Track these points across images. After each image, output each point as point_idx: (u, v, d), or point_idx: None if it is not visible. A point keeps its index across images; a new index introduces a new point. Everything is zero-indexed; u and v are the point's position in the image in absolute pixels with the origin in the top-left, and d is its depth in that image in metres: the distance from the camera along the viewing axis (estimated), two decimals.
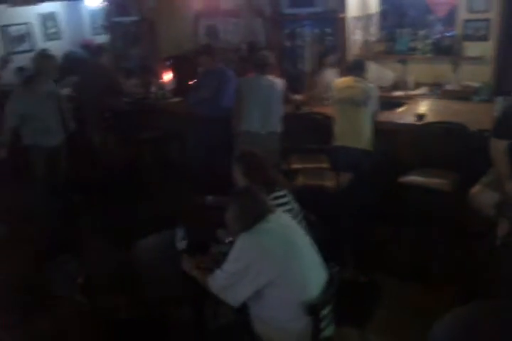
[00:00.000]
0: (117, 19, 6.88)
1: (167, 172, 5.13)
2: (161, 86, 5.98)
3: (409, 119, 4.25)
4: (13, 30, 7.53)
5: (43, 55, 5.69)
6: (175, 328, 2.74)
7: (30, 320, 2.96)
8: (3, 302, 2.98)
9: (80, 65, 6.54)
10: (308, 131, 4.42)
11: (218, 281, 2.25)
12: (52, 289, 2.99)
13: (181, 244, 2.71)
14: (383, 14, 5.67)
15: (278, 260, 2.17)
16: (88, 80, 5.75)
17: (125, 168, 5.40)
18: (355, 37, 5.37)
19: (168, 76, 6.05)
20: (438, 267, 3.52)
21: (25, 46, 7.63)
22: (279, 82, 4.34)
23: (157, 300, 2.57)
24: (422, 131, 4.03)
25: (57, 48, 7.72)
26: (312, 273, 2.25)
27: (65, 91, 6.11)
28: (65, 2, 8.24)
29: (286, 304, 2.16)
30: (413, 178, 3.85)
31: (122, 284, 3.04)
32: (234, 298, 2.23)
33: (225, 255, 2.37)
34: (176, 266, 2.55)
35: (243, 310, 2.27)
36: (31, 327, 2.95)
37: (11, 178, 4.60)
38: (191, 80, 5.41)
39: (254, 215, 2.24)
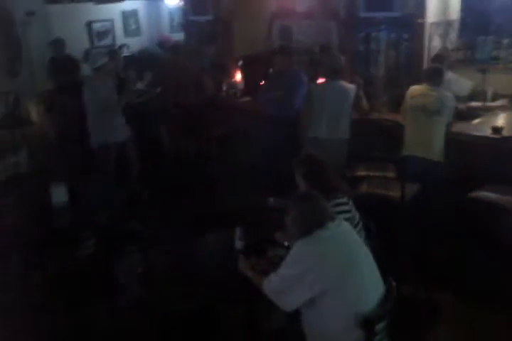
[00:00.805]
0: (193, 18, 7.04)
1: (232, 170, 5.17)
2: (233, 85, 6.06)
3: (486, 132, 4.04)
4: (97, 26, 7.89)
5: (112, 51, 5.92)
6: (227, 326, 2.77)
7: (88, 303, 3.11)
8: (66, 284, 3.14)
9: (155, 61, 6.75)
10: (377, 138, 4.32)
11: (272, 285, 2.25)
12: (115, 277, 3.11)
13: (239, 244, 2.73)
14: (464, 20, 5.43)
15: (335, 269, 2.13)
16: (162, 76, 5.93)
17: (191, 164, 5.50)
18: (433, 43, 5.18)
19: (239, 75, 6.12)
20: (503, 289, 3.33)
21: (107, 41, 7.97)
22: (350, 88, 4.27)
23: (212, 297, 2.60)
24: (498, 145, 3.83)
25: (136, 44, 8.05)
26: (369, 285, 2.20)
27: (139, 86, 6.34)
28: (146, 0, 8.54)
29: (340, 314, 2.12)
30: (485, 194, 3.66)
31: (180, 277, 3.10)
32: (287, 303, 2.21)
33: (281, 258, 2.37)
34: (233, 265, 2.57)
35: (296, 315, 2.25)
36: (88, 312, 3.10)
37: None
38: (261, 80, 5.45)
39: (314, 221, 2.21)
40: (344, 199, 2.65)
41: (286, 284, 2.19)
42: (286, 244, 2.66)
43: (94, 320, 3.02)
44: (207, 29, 6.97)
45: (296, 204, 2.30)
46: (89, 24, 7.79)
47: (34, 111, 6.38)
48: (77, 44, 7.16)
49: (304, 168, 2.73)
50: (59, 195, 3.46)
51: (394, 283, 2.28)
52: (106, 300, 3.12)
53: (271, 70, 5.29)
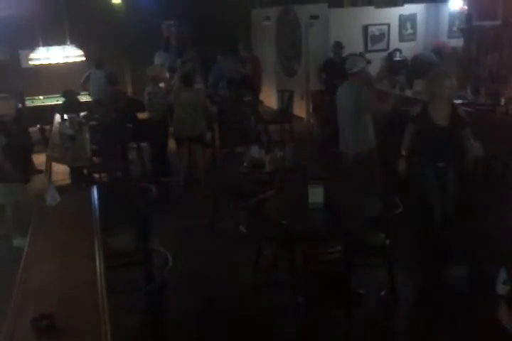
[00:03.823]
0: (477, 23, 6.49)
1: (494, 194, 4.54)
2: None
3: None
4: (373, 29, 7.95)
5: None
6: None
7: None
8: None
9: (428, 68, 6.45)
10: None
11: None
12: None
13: (502, 289, 2.39)
14: None
15: None
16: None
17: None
18: None
19: None
20: None
21: (380, 45, 7.98)
22: None
23: None
24: None
25: (409, 49, 7.84)
26: None
27: (408, 93, 6.14)
28: (427, 4, 8.22)
29: None
30: None
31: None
32: None
33: None
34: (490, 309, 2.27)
35: None
36: None
37: None
38: None
39: None
40: None
41: None
42: None
43: None
44: (491, 35, 6.36)
45: None
46: (365, 27, 7.91)
47: (303, 109, 6.79)
48: (352, 47, 7.34)
49: None
50: (315, 195, 3.48)
51: None
52: None
53: None
